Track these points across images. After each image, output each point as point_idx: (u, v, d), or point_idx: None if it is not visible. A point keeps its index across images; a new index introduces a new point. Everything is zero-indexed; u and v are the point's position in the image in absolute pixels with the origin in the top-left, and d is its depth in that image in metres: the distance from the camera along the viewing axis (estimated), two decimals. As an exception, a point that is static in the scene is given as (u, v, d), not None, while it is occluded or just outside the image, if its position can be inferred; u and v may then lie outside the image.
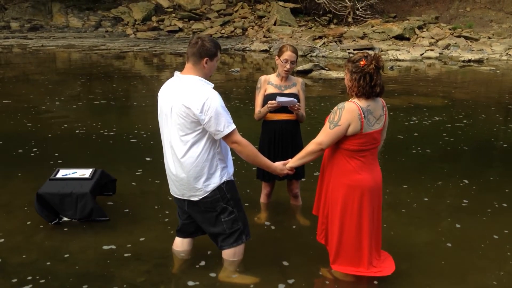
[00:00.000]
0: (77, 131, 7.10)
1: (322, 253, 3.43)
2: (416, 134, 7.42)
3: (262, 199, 4.57)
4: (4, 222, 4.15)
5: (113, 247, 3.75)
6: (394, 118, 8.24)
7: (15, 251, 3.66)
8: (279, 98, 3.96)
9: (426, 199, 4.88)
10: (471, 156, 6.56)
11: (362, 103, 3.02)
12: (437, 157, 6.40)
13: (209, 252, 3.63)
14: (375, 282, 3.31)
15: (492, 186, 5.30)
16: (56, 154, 6.00)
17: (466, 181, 5.39)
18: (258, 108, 4.22)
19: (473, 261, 3.71)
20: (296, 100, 3.99)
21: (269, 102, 4.02)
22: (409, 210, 4.59)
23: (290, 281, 3.35)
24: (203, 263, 3.52)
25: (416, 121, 8.31)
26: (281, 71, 4.10)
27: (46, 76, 12.68)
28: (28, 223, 4.12)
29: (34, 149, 6.20)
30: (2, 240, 3.83)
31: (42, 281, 3.26)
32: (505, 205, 4.75)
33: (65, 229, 4.01)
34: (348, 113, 2.98)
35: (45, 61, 16.07)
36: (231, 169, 3.30)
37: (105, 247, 3.74)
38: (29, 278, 3.30)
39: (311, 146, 3.14)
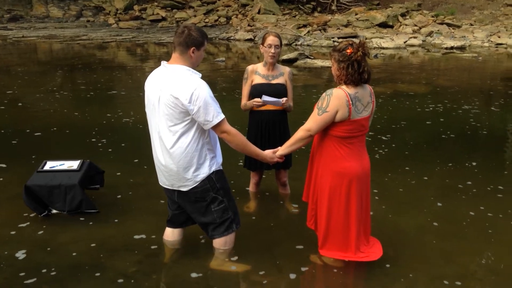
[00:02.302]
0: (62, 123, 7.02)
1: (312, 240, 3.48)
2: (400, 121, 7.50)
3: (251, 188, 4.60)
4: (-9, 215, 4.12)
5: (104, 238, 3.75)
6: (378, 105, 8.31)
7: (5, 244, 3.64)
8: (265, 98, 3.97)
9: (412, 184, 4.97)
10: (455, 142, 6.67)
11: (350, 90, 3.06)
12: (422, 143, 6.49)
13: (200, 242, 3.66)
14: (362, 268, 3.37)
15: (470, 172, 5.40)
16: (42, 146, 5.96)
17: (451, 166, 5.50)
18: (245, 99, 4.23)
19: (460, 244, 3.79)
20: (281, 102, 4.01)
21: (255, 100, 4.04)
22: (395, 197, 4.67)
23: (281, 268, 3.39)
24: (194, 252, 3.55)
25: (400, 109, 8.40)
26: (267, 58, 4.10)
27: (27, 67, 12.49)
28: (17, 216, 4.08)
29: (19, 142, 6.14)
30: (-9, 233, 3.80)
31: (33, 273, 3.26)
32: (495, 188, 4.86)
33: (55, 221, 4.00)
34: (336, 99, 3.02)
35: (26, 52, 15.80)
36: (220, 158, 3.32)
37: (95, 239, 3.74)
38: (20, 270, 3.29)
39: (300, 133, 3.18)
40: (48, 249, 3.59)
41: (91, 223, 3.99)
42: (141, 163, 5.31)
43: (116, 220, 4.06)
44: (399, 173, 5.27)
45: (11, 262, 3.40)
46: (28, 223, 3.97)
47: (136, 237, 3.77)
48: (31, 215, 4.06)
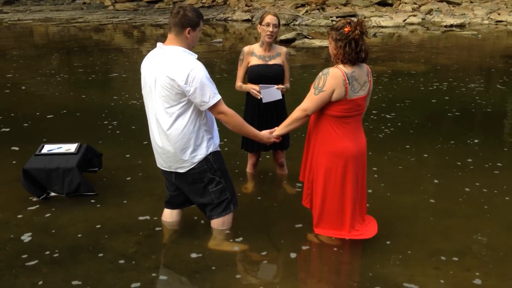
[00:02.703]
0: (58, 106, 7.01)
1: (309, 219, 3.51)
2: (400, 100, 7.49)
3: (248, 169, 4.62)
4: (-11, 198, 4.14)
5: (103, 220, 3.78)
6: (378, 84, 8.30)
7: (4, 227, 3.67)
8: (263, 92, 3.96)
9: (411, 162, 4.99)
10: (459, 119, 6.68)
11: (347, 69, 3.04)
12: (421, 122, 6.49)
13: (198, 222, 3.69)
14: (358, 246, 3.41)
15: (471, 149, 5.42)
16: (39, 130, 5.96)
17: (452, 144, 5.52)
18: (240, 80, 4.22)
19: (456, 220, 3.82)
20: (280, 96, 4.01)
21: (254, 90, 4.02)
22: (394, 175, 4.68)
23: (279, 247, 3.43)
24: (192, 233, 3.58)
25: (400, 88, 8.37)
26: (264, 37, 4.07)
27: (24, 51, 12.41)
28: (16, 199, 4.10)
29: (31, 125, 6.13)
30: (-10, 217, 3.82)
31: (33, 255, 3.28)
32: (497, 164, 4.88)
33: (54, 204, 4.01)
34: (332, 78, 3.01)
35: (22, 35, 15.68)
36: (217, 140, 3.32)
37: (94, 221, 3.76)
38: (19, 252, 3.32)
39: (297, 113, 3.18)
40: (47, 231, 3.61)
41: (89, 205, 4.01)
42: (139, 145, 5.30)
43: (114, 202, 4.08)
44: (399, 151, 5.29)
45: (10, 245, 3.42)
46: (27, 206, 3.98)
47: (135, 218, 3.79)
48: (29, 198, 4.07)
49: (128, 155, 5.13)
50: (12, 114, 6.59)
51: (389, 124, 6.23)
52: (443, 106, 7.21)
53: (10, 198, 4.13)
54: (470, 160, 5.02)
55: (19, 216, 3.83)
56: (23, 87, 8.28)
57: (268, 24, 4.01)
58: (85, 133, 5.78)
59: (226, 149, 4.95)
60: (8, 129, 6.00)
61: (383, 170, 4.76)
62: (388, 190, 4.34)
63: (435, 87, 8.39)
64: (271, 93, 3.98)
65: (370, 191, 4.23)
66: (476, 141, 5.64)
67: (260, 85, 4.01)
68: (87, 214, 3.88)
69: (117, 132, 5.94)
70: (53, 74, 9.39)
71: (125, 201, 4.10)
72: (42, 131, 5.91)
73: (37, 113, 6.66)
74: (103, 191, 4.24)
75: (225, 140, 4.97)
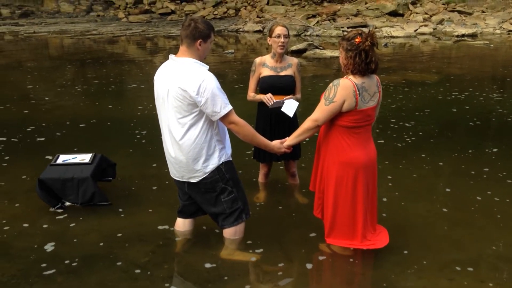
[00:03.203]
0: (73, 117, 7.11)
1: (321, 229, 3.51)
2: (412, 110, 7.48)
3: (260, 178, 4.64)
4: (7, 208, 4.21)
5: (117, 229, 3.82)
6: (389, 94, 8.30)
7: (20, 236, 3.73)
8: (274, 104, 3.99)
9: (424, 173, 4.97)
10: (475, 129, 6.67)
11: (357, 80, 3.06)
12: (434, 131, 6.48)
13: (210, 232, 3.71)
14: (371, 256, 3.40)
15: (488, 158, 5.39)
16: (54, 140, 6.05)
17: (468, 154, 5.51)
18: (251, 91, 4.26)
19: (470, 231, 3.80)
20: (293, 106, 4.01)
21: (267, 98, 4.03)
22: (407, 185, 4.67)
23: (291, 257, 3.43)
24: (205, 242, 3.60)
25: (412, 97, 8.36)
26: (275, 48, 4.11)
27: (39, 62, 12.62)
28: (31, 208, 4.17)
29: (31, 136, 6.23)
30: (7, 225, 3.89)
31: (47, 264, 3.33)
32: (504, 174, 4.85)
33: (68, 213, 4.07)
34: (343, 89, 3.03)
35: (37, 47, 15.95)
36: (229, 149, 3.35)
37: (108, 230, 3.81)
38: (35, 262, 3.37)
39: (307, 123, 3.20)
40: (61, 240, 3.66)
41: (103, 214, 4.05)
42: (152, 155, 5.36)
43: (128, 211, 4.12)
44: (411, 161, 5.28)
45: (25, 254, 3.47)
46: (42, 216, 4.04)
47: (148, 228, 3.83)
48: (45, 208, 4.13)
49: (142, 165, 5.18)
50: (44, 124, 6.73)
51: (410, 133, 6.27)
52: (464, 115, 7.23)
53: (27, 208, 4.20)
54: (486, 169, 5.01)
55: (35, 225, 3.89)
56: (46, 98, 8.43)
57: (279, 36, 4.06)
58: (100, 143, 5.87)
59: (238, 159, 4.97)
60: (28, 140, 6.10)
61: (398, 178, 4.77)
62: (403, 199, 4.34)
63: (453, 96, 8.38)
64: (290, 105, 3.98)
65: (385, 199, 4.24)
66: (495, 150, 5.63)
67: (273, 101, 4.02)
68: (101, 223, 3.92)
69: (132, 141, 6.01)
70: (69, 85, 9.54)
71: (138, 211, 4.14)
72: (76, 140, 6.04)
73: (67, 123, 6.83)
74: (117, 201, 4.29)
75: (237, 150, 5.00)
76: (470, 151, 5.59)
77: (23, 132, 6.37)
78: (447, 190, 4.54)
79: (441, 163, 5.19)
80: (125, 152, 5.60)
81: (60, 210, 4.10)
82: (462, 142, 5.96)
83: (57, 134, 6.37)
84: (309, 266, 3.34)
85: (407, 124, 6.65)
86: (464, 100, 8.15)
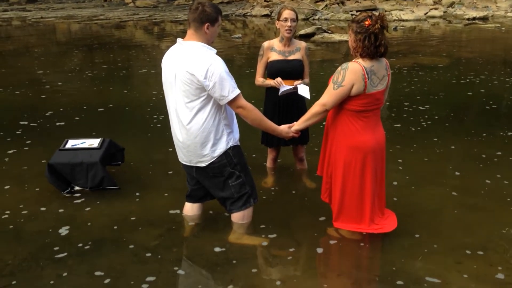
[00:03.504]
0: (81, 102, 7.13)
1: (328, 213, 3.51)
2: (426, 93, 7.43)
3: (268, 163, 4.63)
4: (18, 192, 4.25)
5: (126, 213, 3.85)
6: (399, 78, 8.22)
7: (31, 220, 3.77)
8: (282, 88, 3.95)
9: (435, 157, 4.94)
10: (490, 112, 6.61)
11: (366, 63, 3.03)
12: (450, 115, 6.44)
13: (218, 216, 3.72)
14: (379, 240, 3.40)
15: (501, 142, 5.36)
16: (63, 125, 6.08)
17: (478, 138, 5.47)
18: (259, 75, 4.23)
19: (480, 215, 3.78)
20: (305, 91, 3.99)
21: (277, 82, 4.00)
22: (416, 170, 4.64)
23: (299, 241, 3.44)
24: (213, 226, 3.62)
25: (426, 81, 8.28)
26: (283, 32, 4.07)
27: (46, 48, 12.63)
28: (42, 193, 4.21)
29: (40, 121, 6.26)
30: (24, 209, 3.92)
31: (59, 247, 3.37)
32: None
33: (78, 198, 4.10)
34: (351, 73, 3.00)
35: (44, 33, 15.96)
36: (237, 134, 3.35)
37: (118, 214, 3.84)
38: (46, 245, 3.41)
39: (316, 108, 3.18)
40: (72, 224, 3.69)
41: (112, 199, 4.08)
42: (160, 140, 5.37)
43: (137, 196, 4.14)
44: (421, 145, 5.24)
45: (37, 237, 3.51)
46: (53, 200, 4.08)
47: (157, 212, 3.86)
48: (55, 192, 4.16)
49: (150, 150, 5.20)
50: (61, 109, 6.78)
51: (426, 117, 6.25)
52: (480, 99, 7.18)
53: (37, 192, 4.23)
54: (499, 153, 4.98)
55: (45, 209, 3.93)
56: (59, 83, 8.46)
57: (286, 19, 4.01)
58: (117, 127, 5.95)
59: (246, 143, 4.97)
60: (48, 125, 6.13)
61: (409, 162, 4.77)
62: (413, 183, 4.33)
63: (468, 80, 8.29)
64: (305, 89, 3.96)
65: (395, 183, 4.23)
66: (509, 133, 5.59)
67: (283, 85, 3.99)
68: (110, 207, 3.95)
69: (148, 126, 6.03)
70: (78, 70, 9.56)
71: (147, 195, 4.16)
72: (96, 124, 6.08)
73: (84, 107, 6.83)
74: (126, 185, 4.31)
75: (245, 134, 4.99)
76: (484, 134, 5.55)
77: (43, 117, 6.41)
78: (457, 173, 4.52)
79: (453, 147, 5.17)
80: (133, 137, 5.61)
81: (70, 195, 4.13)
82: (476, 126, 5.93)
83: (76, 118, 6.40)
84: (317, 249, 3.34)
85: (421, 108, 6.62)
86: (479, 83, 8.07)
